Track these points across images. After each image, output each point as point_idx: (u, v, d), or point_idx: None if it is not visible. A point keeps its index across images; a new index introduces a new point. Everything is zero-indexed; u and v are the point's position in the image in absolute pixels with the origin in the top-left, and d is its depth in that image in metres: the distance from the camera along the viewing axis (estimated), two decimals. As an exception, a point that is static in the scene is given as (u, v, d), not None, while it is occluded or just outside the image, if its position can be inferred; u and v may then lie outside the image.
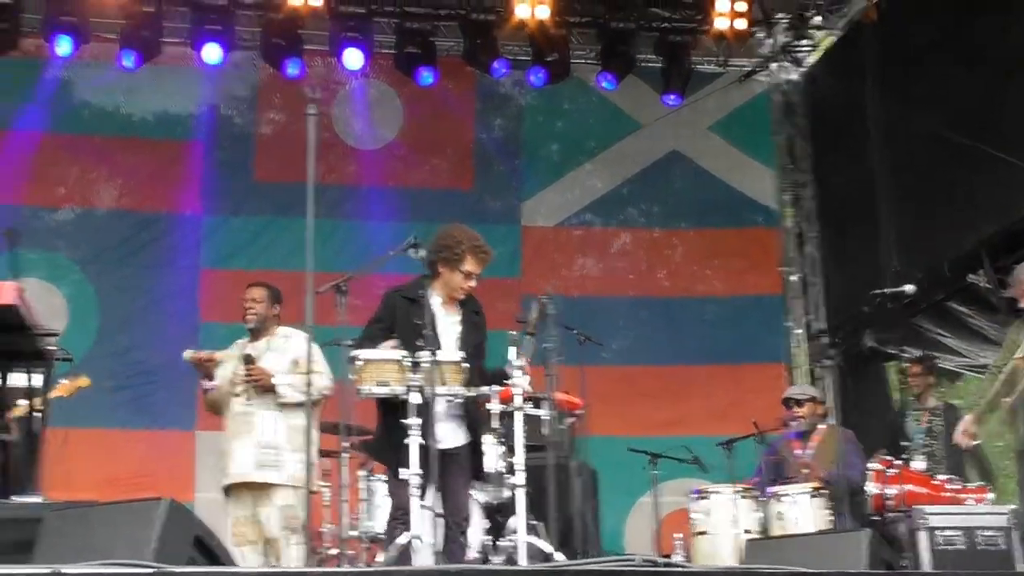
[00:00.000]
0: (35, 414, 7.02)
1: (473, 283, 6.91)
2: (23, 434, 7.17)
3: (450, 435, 6.71)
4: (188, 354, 7.47)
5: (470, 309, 7.01)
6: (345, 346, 6.70)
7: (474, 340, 6.90)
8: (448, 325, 6.88)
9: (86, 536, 5.04)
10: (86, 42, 11.48)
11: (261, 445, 7.38)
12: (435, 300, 6.84)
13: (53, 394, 8.56)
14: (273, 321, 7.69)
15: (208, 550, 5.09)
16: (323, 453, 8.28)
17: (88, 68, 12.15)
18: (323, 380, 7.29)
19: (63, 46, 11.28)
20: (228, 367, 7.58)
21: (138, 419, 11.60)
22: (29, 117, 12.01)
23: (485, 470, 7.28)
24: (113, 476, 10.96)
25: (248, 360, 7.43)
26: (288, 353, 7.54)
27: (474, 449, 6.92)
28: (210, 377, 7.51)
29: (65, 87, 12.27)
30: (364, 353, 6.55)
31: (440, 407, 6.61)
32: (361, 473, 8.51)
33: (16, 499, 5.91)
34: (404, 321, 6.76)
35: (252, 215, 12.32)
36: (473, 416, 6.88)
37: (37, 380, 7.06)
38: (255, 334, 7.65)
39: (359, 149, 12.47)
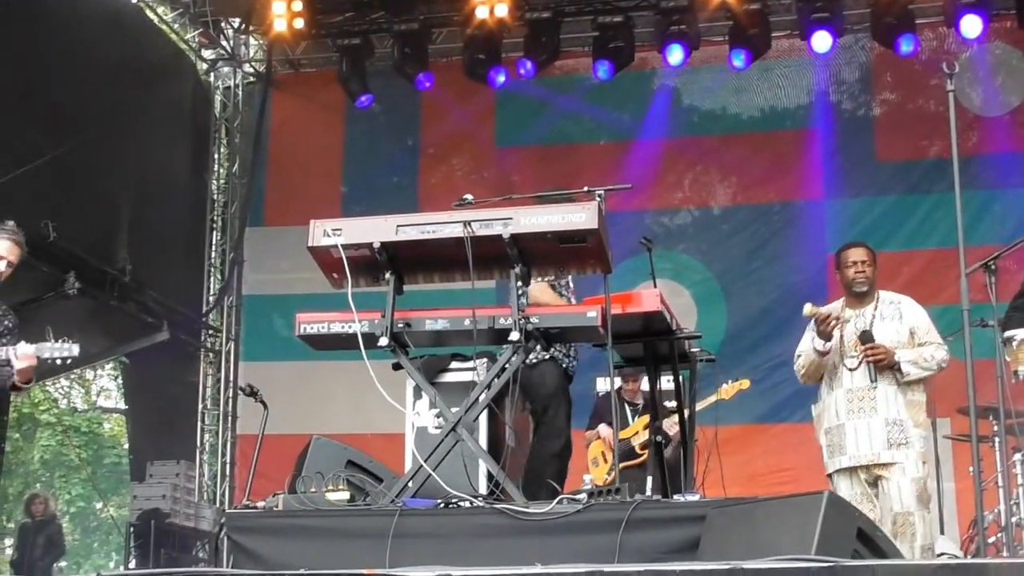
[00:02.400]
0: (686, 415, 7.13)
1: None
2: (676, 436, 7.35)
3: None
4: (809, 308, 7.06)
5: None
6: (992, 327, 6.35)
7: None
8: None
9: (750, 532, 5.02)
10: (695, 48, 11.80)
11: (888, 422, 6.92)
12: None
13: (713, 398, 8.77)
14: (875, 284, 7.20)
15: (871, 542, 4.89)
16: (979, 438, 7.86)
17: (696, 73, 12.54)
18: (941, 352, 6.87)
19: (675, 55, 11.66)
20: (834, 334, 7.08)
21: (774, 413, 11.70)
22: (649, 126, 12.61)
23: None
24: (753, 472, 11.06)
25: (867, 338, 7.04)
26: (903, 321, 7.03)
27: None
28: (826, 338, 7.13)
29: (676, 94, 12.76)
30: (1021, 333, 6.15)
31: None
32: (1017, 457, 8.05)
33: (677, 497, 6.03)
34: None
35: (876, 196, 12.10)
36: None
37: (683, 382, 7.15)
38: (859, 299, 7.24)
39: (984, 117, 11.91)
